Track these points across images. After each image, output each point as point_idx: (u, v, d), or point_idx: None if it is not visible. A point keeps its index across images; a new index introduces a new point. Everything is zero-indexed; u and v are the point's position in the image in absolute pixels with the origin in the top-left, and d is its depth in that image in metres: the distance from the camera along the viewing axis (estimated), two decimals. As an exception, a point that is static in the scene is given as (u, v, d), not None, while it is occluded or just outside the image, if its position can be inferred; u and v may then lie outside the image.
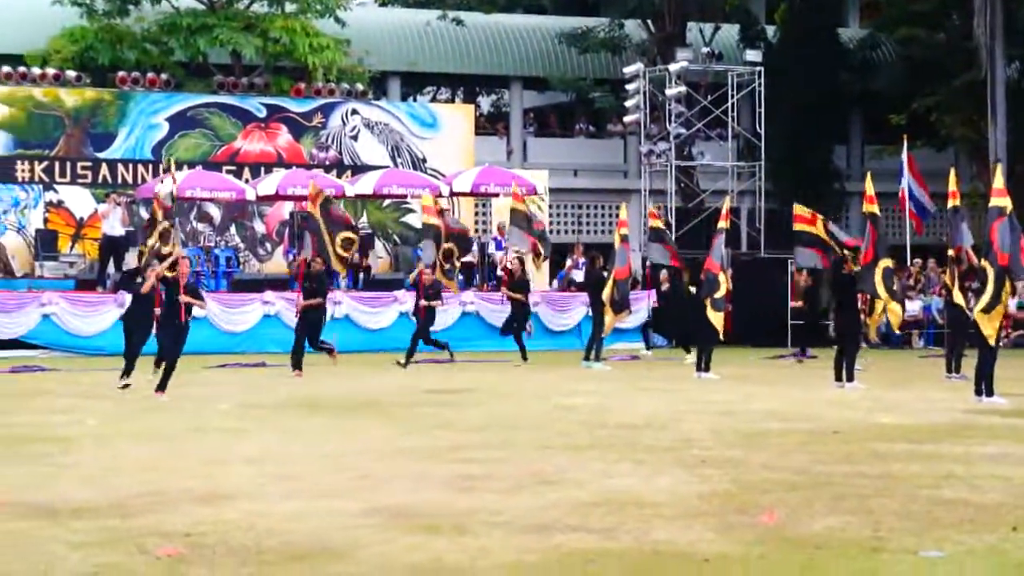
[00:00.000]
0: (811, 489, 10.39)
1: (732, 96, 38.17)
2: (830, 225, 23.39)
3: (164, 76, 34.86)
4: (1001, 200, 17.80)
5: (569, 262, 33.57)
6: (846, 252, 21.67)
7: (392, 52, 40.86)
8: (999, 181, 18.19)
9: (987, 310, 17.54)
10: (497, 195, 32.23)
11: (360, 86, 36.60)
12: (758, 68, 38.14)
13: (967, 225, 21.75)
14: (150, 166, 33.25)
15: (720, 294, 22.28)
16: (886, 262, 20.24)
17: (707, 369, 22.52)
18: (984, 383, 17.72)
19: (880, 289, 20.10)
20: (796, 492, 10.24)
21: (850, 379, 20.22)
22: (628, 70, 38.40)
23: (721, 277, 22.35)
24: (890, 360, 25.73)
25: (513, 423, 15.28)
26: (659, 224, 28.16)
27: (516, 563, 7.85)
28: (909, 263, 34.11)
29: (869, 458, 12.20)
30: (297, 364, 22.62)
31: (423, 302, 25.29)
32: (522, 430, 14.55)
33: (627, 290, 24.93)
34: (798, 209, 24.41)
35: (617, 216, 25.53)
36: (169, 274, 18.82)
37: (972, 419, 15.76)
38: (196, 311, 19.63)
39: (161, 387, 18.13)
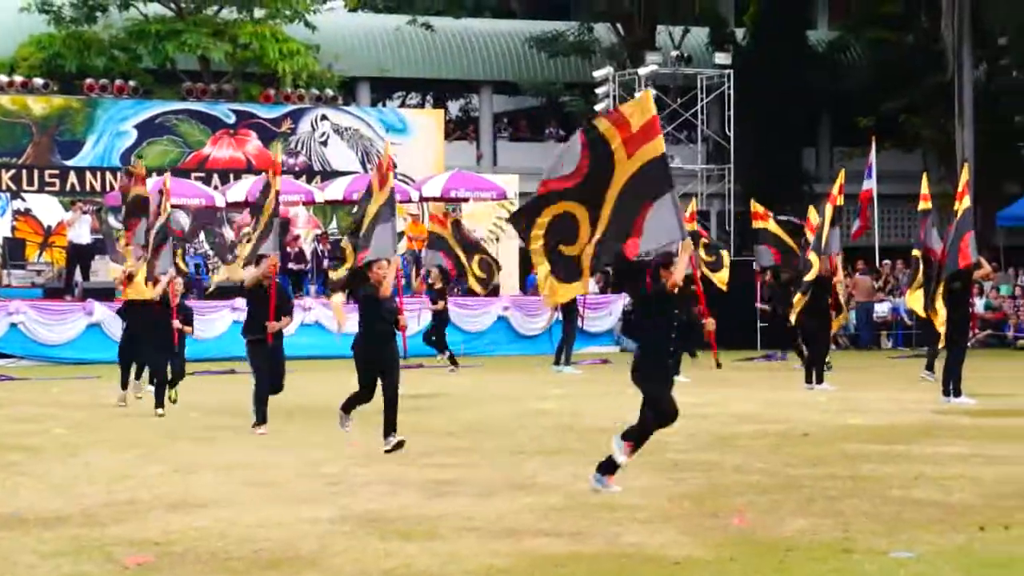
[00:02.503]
0: (782, 491, 10.43)
1: (701, 99, 38.26)
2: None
3: (132, 83, 34.79)
4: (955, 203, 18.04)
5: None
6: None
7: (362, 57, 40.82)
8: (962, 182, 18.32)
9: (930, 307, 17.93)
10: (467, 200, 32.20)
11: (330, 91, 36.56)
12: (727, 71, 38.23)
13: (936, 227, 21.81)
14: (118, 174, 33.11)
15: None
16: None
17: (677, 372, 22.51)
18: (952, 383, 17.81)
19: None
20: (767, 495, 10.28)
21: (819, 381, 20.28)
22: (598, 74, 38.43)
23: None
24: (859, 361, 25.81)
25: (484, 428, 15.29)
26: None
27: (487, 568, 7.85)
28: (879, 264, 34.24)
29: (839, 460, 12.25)
30: None
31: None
32: (493, 435, 14.55)
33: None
34: (754, 206, 24.69)
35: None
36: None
37: (941, 420, 15.84)
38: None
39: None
